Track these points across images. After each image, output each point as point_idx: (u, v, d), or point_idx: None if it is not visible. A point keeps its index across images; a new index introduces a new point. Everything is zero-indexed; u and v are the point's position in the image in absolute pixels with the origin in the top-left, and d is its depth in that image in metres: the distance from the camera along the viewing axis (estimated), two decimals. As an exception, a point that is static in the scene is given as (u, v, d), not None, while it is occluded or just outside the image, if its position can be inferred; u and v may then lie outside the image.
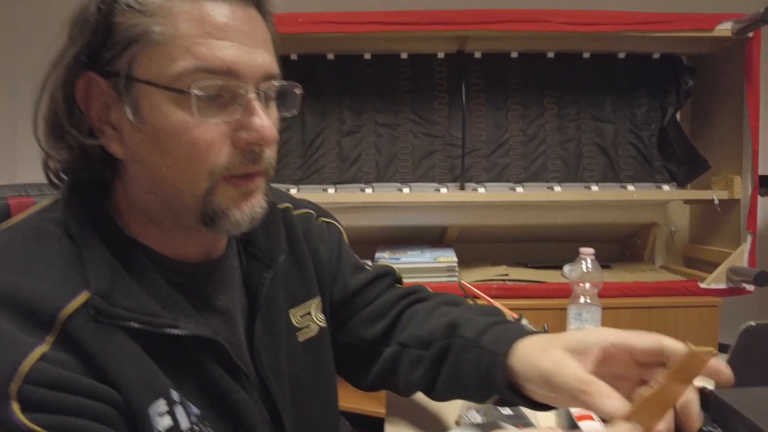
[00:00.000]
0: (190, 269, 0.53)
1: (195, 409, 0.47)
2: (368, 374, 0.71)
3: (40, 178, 0.52)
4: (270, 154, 0.51)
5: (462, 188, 1.75)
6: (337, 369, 0.71)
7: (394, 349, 0.67)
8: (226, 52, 0.45)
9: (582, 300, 1.09)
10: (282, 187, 1.62)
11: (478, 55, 1.82)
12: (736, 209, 1.71)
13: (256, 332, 0.56)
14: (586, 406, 0.44)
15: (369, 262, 0.78)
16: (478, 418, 0.71)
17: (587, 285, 1.11)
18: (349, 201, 1.70)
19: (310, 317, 0.64)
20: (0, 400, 0.37)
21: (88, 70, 0.46)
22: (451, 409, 0.79)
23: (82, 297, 0.43)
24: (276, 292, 0.60)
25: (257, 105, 0.47)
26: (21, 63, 2.01)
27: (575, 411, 0.63)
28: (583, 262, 1.12)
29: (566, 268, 1.76)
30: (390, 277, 0.74)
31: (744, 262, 1.66)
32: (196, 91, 0.44)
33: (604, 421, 0.42)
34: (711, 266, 1.71)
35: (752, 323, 0.66)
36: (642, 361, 0.47)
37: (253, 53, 0.47)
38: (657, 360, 0.46)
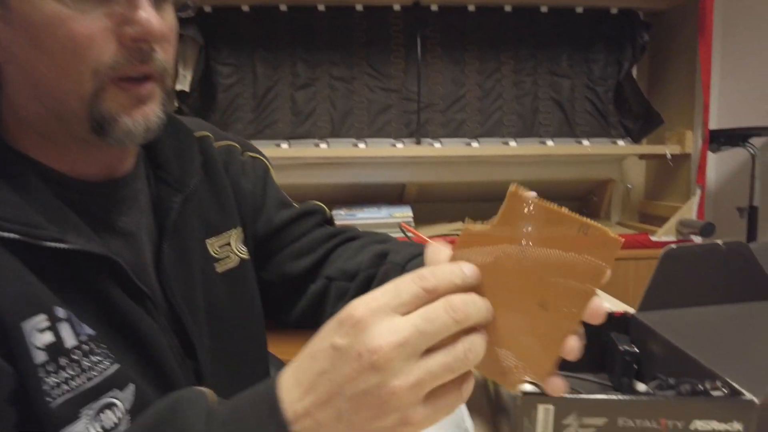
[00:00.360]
0: (87, 187, 0.49)
1: (88, 330, 0.44)
2: (292, 310, 0.71)
3: None
4: (163, 56, 0.47)
5: (418, 143, 1.73)
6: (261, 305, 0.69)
7: (321, 283, 0.67)
8: None
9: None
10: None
11: (434, 7, 1.78)
12: (688, 164, 1.73)
13: (163, 257, 0.53)
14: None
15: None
16: None
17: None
18: (303, 156, 1.67)
19: (229, 248, 0.61)
20: None
21: None
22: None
23: None
24: (188, 219, 0.57)
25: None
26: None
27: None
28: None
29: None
30: (318, 215, 0.73)
31: (693, 215, 1.70)
32: None
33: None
34: (664, 221, 1.74)
35: (673, 246, 0.66)
36: None
37: None
38: None
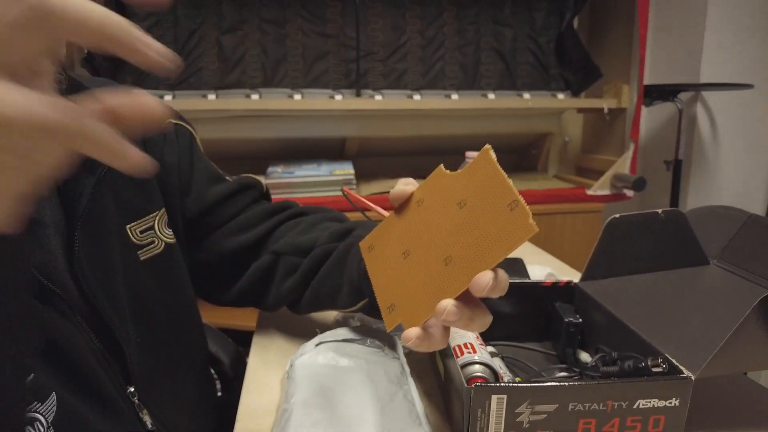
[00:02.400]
0: None
1: None
2: (230, 289, 0.67)
3: None
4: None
5: (358, 95, 1.64)
6: (194, 286, 0.63)
7: (268, 258, 0.64)
8: None
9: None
10: (154, 93, 1.43)
11: (374, -56, 1.65)
12: (623, 118, 1.76)
13: (76, 248, 0.46)
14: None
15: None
16: (352, 324, 0.66)
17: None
18: (232, 108, 1.54)
19: (153, 233, 0.55)
20: None
21: None
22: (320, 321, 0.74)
23: None
24: (103, 204, 0.50)
25: None
26: None
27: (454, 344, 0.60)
28: (467, 161, 1.09)
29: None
30: (254, 190, 0.68)
31: (626, 169, 1.74)
32: None
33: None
34: (599, 174, 1.78)
35: (616, 216, 0.64)
36: None
37: None
38: None
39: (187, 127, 0.64)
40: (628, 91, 1.72)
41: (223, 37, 1.58)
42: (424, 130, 1.75)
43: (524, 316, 0.68)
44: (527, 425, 0.42)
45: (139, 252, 0.52)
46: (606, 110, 1.75)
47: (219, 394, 0.95)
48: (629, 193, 1.74)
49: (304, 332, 0.69)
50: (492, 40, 1.77)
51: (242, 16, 1.59)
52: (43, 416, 0.38)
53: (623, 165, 1.74)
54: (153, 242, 0.54)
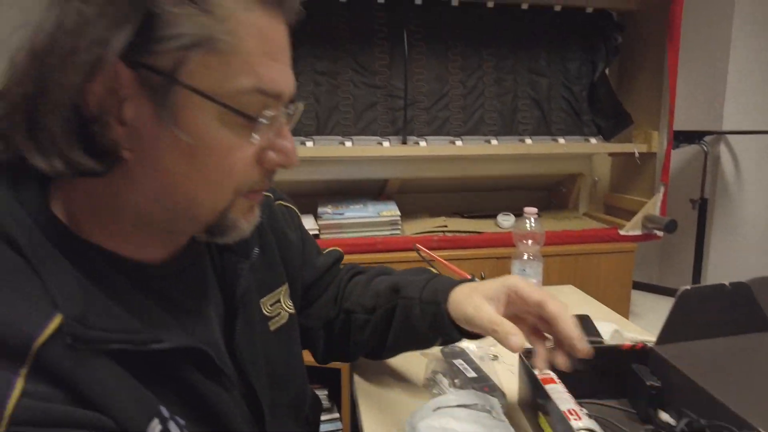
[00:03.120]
0: (155, 271, 0.47)
1: (181, 421, 0.44)
2: (322, 349, 0.75)
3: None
4: None
5: (404, 142, 1.74)
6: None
7: (342, 317, 0.72)
8: (282, 76, 0.43)
9: (525, 256, 1.15)
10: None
11: (418, 1, 1.76)
12: (653, 162, 1.85)
13: (237, 328, 0.54)
14: (498, 341, 0.56)
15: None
16: (445, 381, 0.74)
17: (530, 242, 1.16)
18: (288, 154, 1.64)
19: (279, 305, 0.62)
20: None
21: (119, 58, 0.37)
22: (413, 366, 0.82)
23: (54, 322, 0.37)
24: (251, 284, 0.58)
25: (286, 128, 0.45)
26: None
27: (539, 374, 0.68)
28: (527, 220, 1.17)
29: (500, 217, 1.84)
30: (340, 260, 0.79)
31: (656, 211, 1.82)
32: (263, 120, 0.41)
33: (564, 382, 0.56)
34: (628, 213, 1.86)
35: (687, 287, 0.72)
36: (532, 310, 0.60)
37: (290, 76, 0.45)
38: (540, 313, 0.59)
39: (293, 207, 0.74)
40: (658, 137, 1.81)
41: (280, 88, 1.68)
42: (463, 171, 1.84)
43: (602, 374, 0.76)
44: (644, 488, 0.50)
45: (269, 323, 0.60)
46: (637, 154, 1.84)
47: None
48: (659, 233, 1.82)
49: (402, 378, 0.78)
50: (528, 88, 1.87)
51: (296, 68, 1.70)
52: None
53: (654, 206, 1.82)
54: (280, 314, 0.62)
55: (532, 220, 1.17)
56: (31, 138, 0.39)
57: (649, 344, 0.76)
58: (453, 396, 0.65)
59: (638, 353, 0.76)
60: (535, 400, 0.68)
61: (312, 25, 1.70)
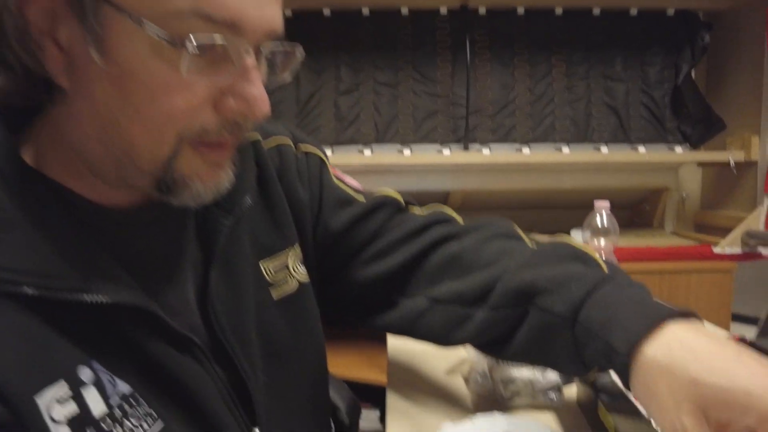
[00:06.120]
0: (119, 217, 0.42)
1: (124, 387, 0.37)
2: (376, 318, 0.59)
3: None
4: (255, 125, 0.41)
5: (466, 149, 1.67)
6: (338, 317, 0.62)
7: (422, 303, 0.56)
8: (241, 2, 0.35)
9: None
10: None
11: (482, 11, 1.72)
12: (753, 171, 1.64)
13: (211, 289, 0.46)
14: None
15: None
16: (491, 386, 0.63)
17: (602, 241, 1.03)
18: (346, 164, 1.62)
19: (287, 270, 0.53)
20: None
21: None
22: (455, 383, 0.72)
23: None
24: (240, 242, 0.50)
25: (255, 71, 0.38)
26: None
27: None
28: (598, 216, 1.05)
29: (574, 232, 1.69)
30: (390, 207, 0.59)
31: (760, 226, 1.60)
32: (191, 47, 0.34)
33: None
34: (723, 232, 1.64)
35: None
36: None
37: (262, 4, 0.37)
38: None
39: (317, 152, 0.61)
40: (758, 142, 1.61)
41: (340, 98, 1.69)
42: (532, 183, 1.73)
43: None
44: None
45: (271, 289, 0.52)
46: (732, 163, 1.64)
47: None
48: (765, 251, 1.58)
49: (439, 396, 0.67)
50: (603, 95, 1.74)
51: (358, 79, 1.70)
52: None
53: (756, 221, 1.60)
54: (286, 280, 0.53)
55: (604, 214, 1.04)
56: None
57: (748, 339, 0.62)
58: (500, 419, 0.50)
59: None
60: (595, 387, 0.56)
61: (374, 37, 1.70)
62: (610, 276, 0.46)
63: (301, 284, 0.54)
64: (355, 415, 0.97)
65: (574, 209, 1.86)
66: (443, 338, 0.56)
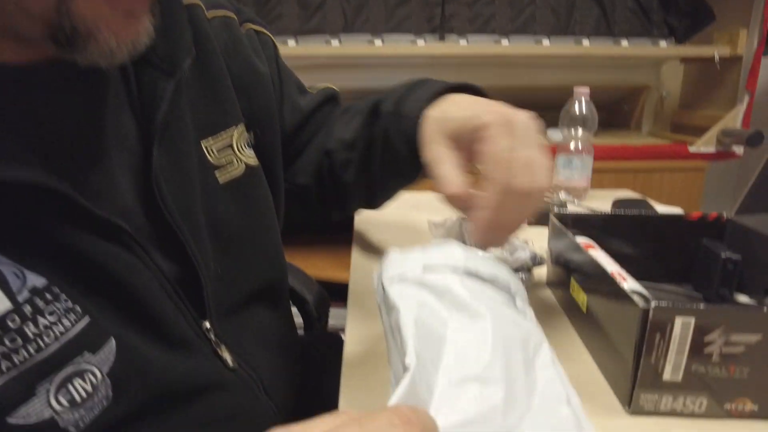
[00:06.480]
0: (17, 74, 0.33)
1: (36, 280, 0.32)
2: (316, 209, 0.64)
3: None
4: None
5: (441, 39, 1.55)
6: (294, 215, 0.59)
7: (325, 163, 0.59)
8: None
9: (573, 146, 0.97)
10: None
11: None
12: (737, 67, 1.58)
13: (154, 167, 0.39)
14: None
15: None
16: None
17: (580, 130, 0.98)
18: (312, 55, 1.50)
19: (231, 152, 0.48)
20: None
21: None
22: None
23: None
24: (182, 114, 0.44)
25: None
26: None
27: (579, 240, 0.52)
28: (577, 102, 0.99)
29: (550, 132, 1.64)
30: (335, 101, 0.63)
31: (738, 125, 1.57)
32: None
33: None
34: (700, 131, 1.61)
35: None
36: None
37: None
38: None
39: (269, 35, 0.58)
40: (746, 36, 1.53)
41: (304, -19, 1.53)
42: (509, 79, 1.64)
43: (660, 254, 0.60)
44: (717, 359, 0.35)
45: (217, 173, 0.46)
46: (717, 59, 1.57)
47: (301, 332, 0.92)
48: (738, 150, 1.56)
49: None
50: (589, -19, 1.62)
51: (324, -41, 1.53)
52: (97, 367, 0.33)
53: (734, 119, 1.56)
54: (232, 163, 0.48)
55: (583, 100, 0.99)
56: None
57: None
58: (462, 253, 0.37)
59: (710, 225, 0.59)
60: (567, 266, 0.53)
61: None
62: (428, 81, 0.52)
63: (248, 167, 0.49)
64: (323, 308, 0.96)
65: (551, 109, 1.80)
66: (345, 195, 0.60)
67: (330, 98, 0.62)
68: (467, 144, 0.42)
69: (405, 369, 0.26)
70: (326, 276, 1.34)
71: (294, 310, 0.90)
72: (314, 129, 0.60)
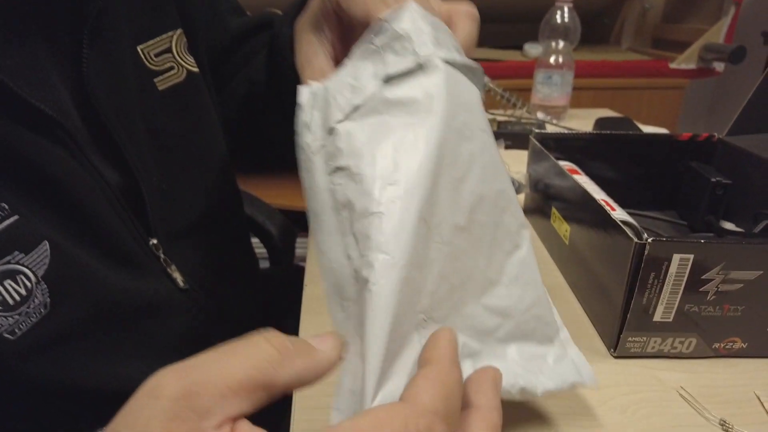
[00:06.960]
0: None
1: None
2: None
3: None
4: None
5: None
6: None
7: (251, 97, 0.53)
8: None
9: (553, 60, 0.90)
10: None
11: None
12: (724, -24, 1.48)
13: (85, 66, 0.35)
14: None
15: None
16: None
17: (561, 43, 0.91)
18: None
19: (171, 57, 0.44)
20: None
21: None
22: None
23: None
24: (116, 12, 0.39)
25: None
26: None
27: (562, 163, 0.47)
28: (559, 11, 0.91)
29: (527, 46, 1.55)
30: (268, 27, 0.55)
31: (720, 40, 1.50)
32: None
33: None
34: (682, 47, 1.54)
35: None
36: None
37: None
38: None
39: None
40: (738, -61, 1.43)
41: None
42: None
43: (644, 178, 0.56)
44: (713, 297, 0.32)
45: (156, 80, 0.42)
46: (705, -35, 1.47)
47: (268, 265, 0.89)
48: (719, 67, 1.51)
49: None
50: None
51: None
52: (30, 269, 0.30)
53: (717, 34, 1.50)
54: (172, 68, 0.44)
55: (566, 10, 0.90)
56: None
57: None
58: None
59: (699, 146, 0.55)
60: (548, 192, 0.49)
61: None
62: None
63: (189, 73, 0.45)
64: (289, 240, 0.93)
65: (529, 24, 1.69)
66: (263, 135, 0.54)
67: (266, 24, 0.54)
68: (331, 17, 0.33)
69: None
70: (290, 204, 1.28)
71: (262, 246, 0.86)
72: (243, 58, 0.53)
